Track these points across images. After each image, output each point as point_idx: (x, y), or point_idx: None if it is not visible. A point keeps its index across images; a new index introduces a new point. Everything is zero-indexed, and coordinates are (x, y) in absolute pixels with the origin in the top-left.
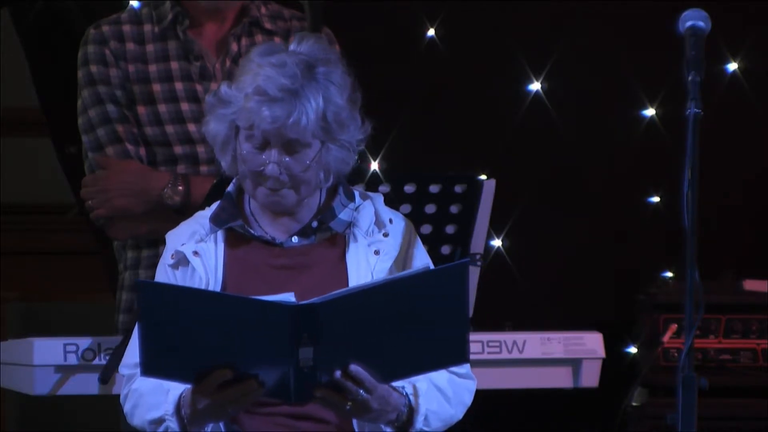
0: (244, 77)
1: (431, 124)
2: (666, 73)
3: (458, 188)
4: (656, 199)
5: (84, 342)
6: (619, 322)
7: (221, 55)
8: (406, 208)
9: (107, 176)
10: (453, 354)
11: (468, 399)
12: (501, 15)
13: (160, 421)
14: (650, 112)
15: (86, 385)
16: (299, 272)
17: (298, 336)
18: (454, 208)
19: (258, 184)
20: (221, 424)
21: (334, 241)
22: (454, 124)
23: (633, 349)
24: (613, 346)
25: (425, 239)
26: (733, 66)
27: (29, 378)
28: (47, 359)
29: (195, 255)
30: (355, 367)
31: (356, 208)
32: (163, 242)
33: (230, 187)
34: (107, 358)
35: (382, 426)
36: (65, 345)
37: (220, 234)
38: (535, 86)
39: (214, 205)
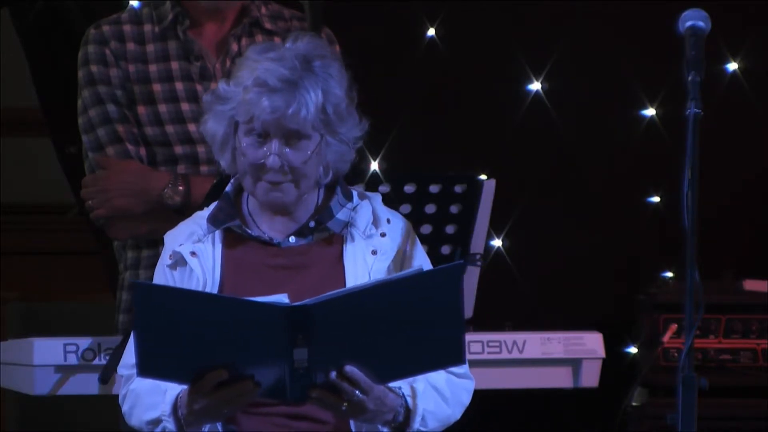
0: (242, 72)
1: (431, 124)
2: (666, 73)
3: (458, 188)
4: (656, 199)
5: (84, 342)
6: (619, 322)
7: (221, 55)
8: (406, 208)
9: (107, 176)
10: (449, 355)
11: (466, 399)
12: (501, 15)
13: (157, 421)
14: (650, 112)
15: (86, 385)
16: (296, 272)
17: (293, 337)
18: (454, 208)
19: (258, 179)
20: (218, 425)
21: (332, 241)
22: (454, 124)
23: (633, 349)
24: (613, 346)
25: (425, 239)
26: (733, 66)
27: (29, 378)
28: (47, 359)
29: (192, 255)
30: (350, 368)
31: (354, 208)
32: (164, 242)
33: (228, 188)
34: (107, 358)
35: (379, 426)
36: (65, 345)
37: (217, 234)
38: (535, 86)
39: (212, 206)
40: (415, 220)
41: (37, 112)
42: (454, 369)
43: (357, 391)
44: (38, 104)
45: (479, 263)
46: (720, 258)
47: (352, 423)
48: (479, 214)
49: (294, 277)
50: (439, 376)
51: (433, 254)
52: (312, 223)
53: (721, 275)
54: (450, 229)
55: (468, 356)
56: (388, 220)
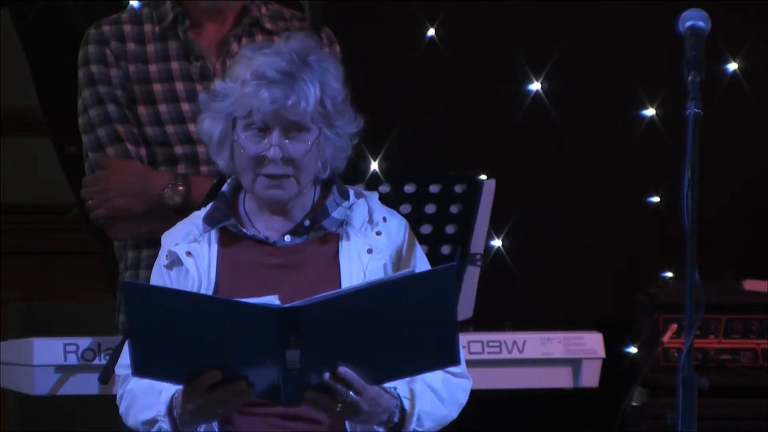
0: (238, 69)
1: (431, 124)
2: (666, 73)
3: (458, 188)
4: (656, 199)
5: (84, 342)
6: (619, 322)
7: (221, 55)
8: (406, 208)
9: (107, 176)
10: (443, 356)
11: (463, 399)
12: (501, 15)
13: (152, 422)
14: (650, 112)
15: (86, 385)
16: (292, 271)
17: (284, 338)
18: (454, 208)
19: (257, 174)
20: (214, 425)
21: (327, 239)
22: (454, 124)
23: (633, 349)
24: (613, 346)
25: (425, 239)
26: (733, 66)
27: (29, 378)
28: (47, 359)
29: (188, 255)
30: (344, 369)
31: (350, 207)
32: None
33: (225, 187)
34: (107, 358)
35: (374, 427)
36: (65, 345)
37: (213, 234)
38: (535, 86)
39: (209, 206)
40: (415, 220)
41: (37, 112)
42: (451, 368)
43: (351, 392)
44: (38, 104)
45: (479, 263)
46: (720, 258)
47: (347, 423)
48: (479, 214)
49: (289, 276)
50: (435, 376)
51: (433, 254)
52: (307, 222)
53: (721, 275)
54: (450, 229)
55: (468, 356)
56: (384, 219)
